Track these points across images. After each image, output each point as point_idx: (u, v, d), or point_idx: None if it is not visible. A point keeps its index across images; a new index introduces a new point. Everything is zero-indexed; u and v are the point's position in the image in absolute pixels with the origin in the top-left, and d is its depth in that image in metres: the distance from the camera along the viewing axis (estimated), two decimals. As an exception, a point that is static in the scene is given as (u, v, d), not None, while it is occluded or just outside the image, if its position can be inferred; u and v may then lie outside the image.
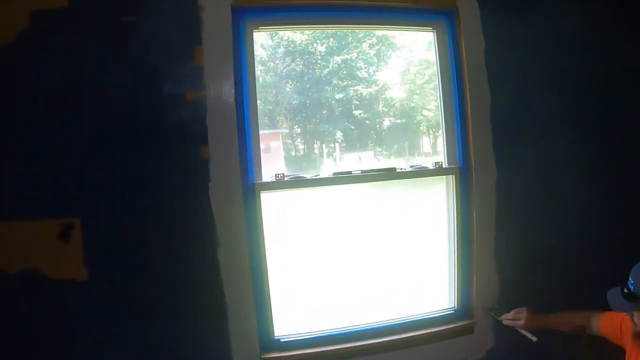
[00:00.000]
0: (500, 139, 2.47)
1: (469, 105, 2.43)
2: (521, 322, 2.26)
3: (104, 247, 2.07)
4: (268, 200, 2.29)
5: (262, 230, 2.27)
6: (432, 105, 2.77)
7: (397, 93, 2.82)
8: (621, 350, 2.04)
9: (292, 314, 2.55)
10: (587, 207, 2.62)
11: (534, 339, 2.22)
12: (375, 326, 2.47)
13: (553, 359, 2.58)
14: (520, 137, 2.51)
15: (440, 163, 2.51)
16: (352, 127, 2.78)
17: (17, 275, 1.98)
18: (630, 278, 1.80)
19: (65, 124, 2.02)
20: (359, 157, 2.79)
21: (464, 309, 2.56)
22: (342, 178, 2.37)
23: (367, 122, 2.82)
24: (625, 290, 1.81)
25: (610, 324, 1.95)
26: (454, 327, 2.50)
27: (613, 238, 2.64)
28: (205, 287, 2.17)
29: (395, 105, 2.83)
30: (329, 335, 2.40)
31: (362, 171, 2.40)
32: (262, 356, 2.26)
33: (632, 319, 1.85)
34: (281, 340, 2.34)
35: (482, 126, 2.44)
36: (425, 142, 3.01)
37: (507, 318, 2.32)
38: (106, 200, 2.06)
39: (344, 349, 2.35)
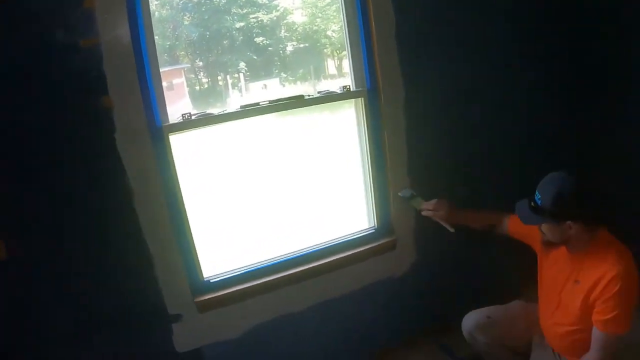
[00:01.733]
0: (407, 58, 2.48)
1: (374, 25, 2.40)
2: (440, 213, 2.36)
3: (15, 218, 1.93)
4: (178, 142, 2.20)
5: (176, 174, 2.20)
6: (335, 27, 2.71)
7: (299, 17, 2.74)
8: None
9: (219, 253, 2.53)
10: (490, 120, 2.76)
11: (452, 230, 2.35)
12: (300, 254, 2.54)
13: (473, 266, 2.77)
14: (427, 55, 2.54)
15: (347, 86, 2.49)
16: (255, 57, 2.68)
17: None
18: (537, 192, 1.91)
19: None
20: (265, 85, 2.72)
21: (384, 227, 2.66)
22: (250, 110, 2.31)
23: (270, 49, 2.73)
24: (532, 204, 1.93)
25: (520, 225, 2.07)
26: (376, 245, 2.61)
27: (514, 152, 2.85)
28: (128, 239, 2.10)
29: (298, 29, 2.75)
30: (256, 269, 2.44)
31: (270, 101, 2.35)
32: (196, 300, 2.26)
33: (540, 229, 1.98)
34: (211, 281, 2.35)
35: (388, 46, 2.44)
36: (331, 65, 2.97)
37: (427, 208, 2.40)
38: (7, 161, 1.89)
39: (272, 280, 2.41)
